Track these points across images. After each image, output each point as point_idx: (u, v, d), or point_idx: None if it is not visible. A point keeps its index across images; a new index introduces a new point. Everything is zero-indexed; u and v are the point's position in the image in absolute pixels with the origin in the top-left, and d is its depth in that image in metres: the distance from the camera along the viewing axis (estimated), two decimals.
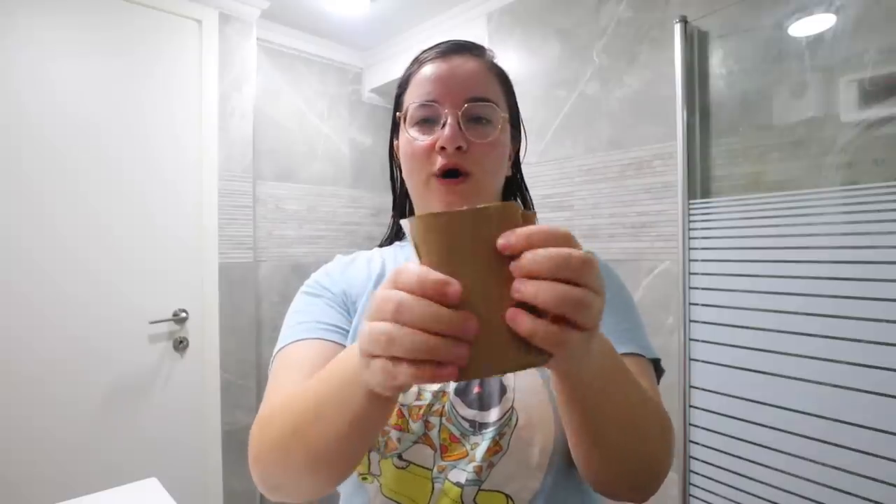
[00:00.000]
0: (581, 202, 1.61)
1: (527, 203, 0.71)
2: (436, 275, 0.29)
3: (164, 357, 1.73)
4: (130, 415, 1.65)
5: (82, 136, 1.57)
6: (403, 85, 0.63)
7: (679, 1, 1.38)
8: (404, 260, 0.66)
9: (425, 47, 0.64)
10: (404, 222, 0.32)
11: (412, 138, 0.58)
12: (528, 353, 0.30)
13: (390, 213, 0.76)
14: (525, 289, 0.29)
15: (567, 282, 0.29)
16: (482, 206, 0.30)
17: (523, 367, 0.31)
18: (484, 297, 0.30)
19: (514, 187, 0.70)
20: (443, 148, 0.56)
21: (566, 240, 0.30)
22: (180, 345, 1.75)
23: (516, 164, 0.68)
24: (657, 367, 0.59)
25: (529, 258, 0.29)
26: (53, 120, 1.53)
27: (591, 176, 1.59)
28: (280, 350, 0.58)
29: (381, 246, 0.74)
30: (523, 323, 0.29)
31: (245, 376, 1.92)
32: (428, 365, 0.29)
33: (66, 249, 1.54)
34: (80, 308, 1.56)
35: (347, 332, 0.59)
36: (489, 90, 0.59)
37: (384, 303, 0.30)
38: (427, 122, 0.58)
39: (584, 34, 1.61)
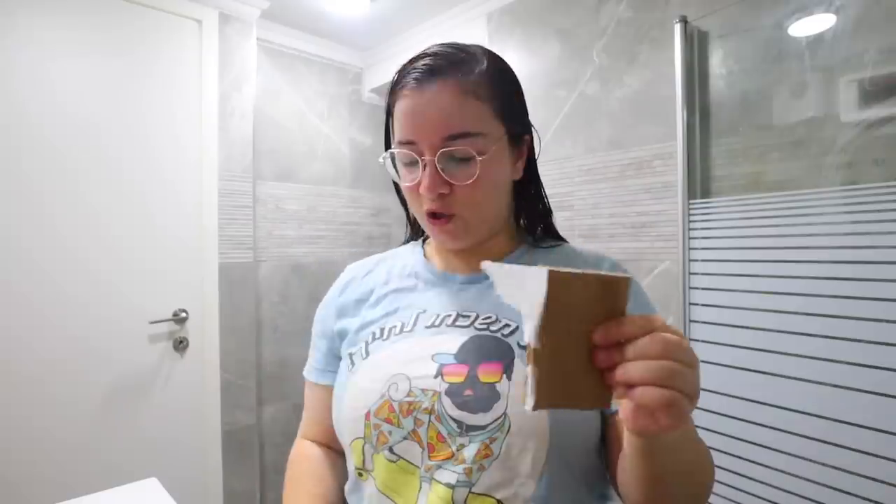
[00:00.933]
0: (581, 202, 1.61)
1: (544, 202, 0.69)
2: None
3: (164, 357, 1.73)
4: (130, 415, 1.65)
5: (82, 136, 1.57)
6: (389, 107, 0.62)
7: (679, 1, 1.38)
8: (412, 263, 0.70)
9: (425, 47, 0.62)
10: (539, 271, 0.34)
11: (402, 177, 0.61)
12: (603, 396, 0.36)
13: (390, 213, 0.77)
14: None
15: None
16: (605, 277, 0.34)
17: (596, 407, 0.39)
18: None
19: (527, 189, 0.67)
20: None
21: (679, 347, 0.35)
22: (180, 345, 1.75)
23: (529, 165, 0.66)
24: None
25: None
26: (53, 120, 1.53)
27: (591, 176, 1.59)
28: (305, 374, 0.74)
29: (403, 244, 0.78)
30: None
31: (245, 376, 1.92)
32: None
33: (66, 249, 1.54)
34: (80, 308, 1.56)
35: (338, 364, 0.67)
36: (468, 119, 0.55)
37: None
38: (411, 164, 0.58)
39: (584, 34, 1.61)
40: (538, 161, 0.68)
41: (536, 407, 0.34)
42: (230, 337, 1.87)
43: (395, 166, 0.62)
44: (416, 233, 0.76)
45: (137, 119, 1.67)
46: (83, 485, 1.22)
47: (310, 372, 0.72)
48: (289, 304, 2.11)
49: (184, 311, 1.76)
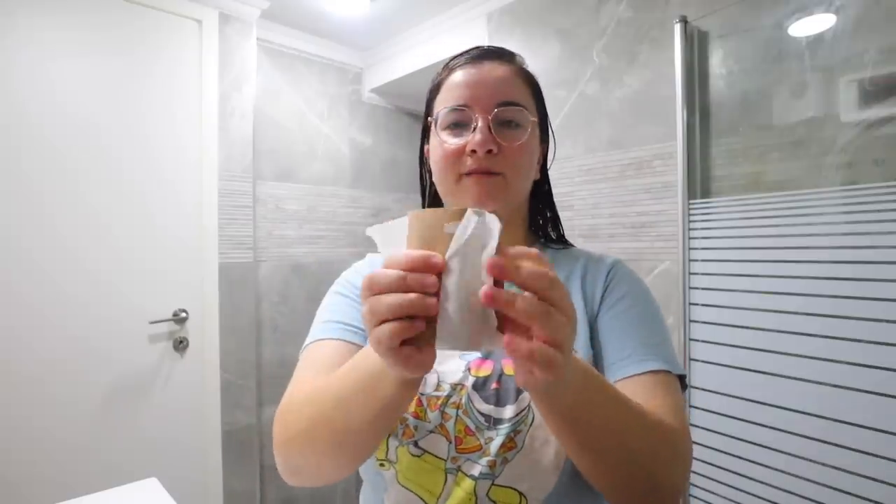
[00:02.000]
0: (581, 202, 1.61)
1: (552, 208, 0.73)
2: (419, 252, 0.35)
3: (164, 357, 1.73)
4: (130, 415, 1.65)
5: (82, 135, 1.57)
6: (434, 90, 0.65)
7: (679, 1, 1.38)
8: None
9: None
10: (395, 221, 0.38)
11: (443, 141, 0.60)
12: (486, 336, 0.35)
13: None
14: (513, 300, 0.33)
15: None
16: (455, 209, 0.36)
17: (477, 348, 0.36)
18: (460, 276, 0.35)
19: (541, 191, 0.71)
20: (473, 151, 0.57)
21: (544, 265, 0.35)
22: (180, 345, 1.75)
23: (543, 169, 0.70)
24: (683, 381, 0.59)
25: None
26: (53, 120, 1.53)
27: (591, 176, 1.59)
28: (307, 346, 0.62)
29: None
30: (501, 299, 0.33)
31: (245, 376, 1.92)
32: (404, 322, 0.33)
33: (66, 249, 1.54)
34: (80, 308, 1.56)
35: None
36: (519, 94, 0.61)
37: (368, 282, 0.35)
38: (458, 127, 0.60)
39: (584, 34, 1.61)
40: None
41: (438, 348, 0.35)
42: (230, 337, 1.87)
43: (426, 145, 0.65)
44: None
45: (137, 119, 1.67)
46: (83, 485, 1.22)
47: (333, 330, 0.61)
48: (289, 304, 2.11)
49: (184, 311, 1.76)
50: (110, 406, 1.61)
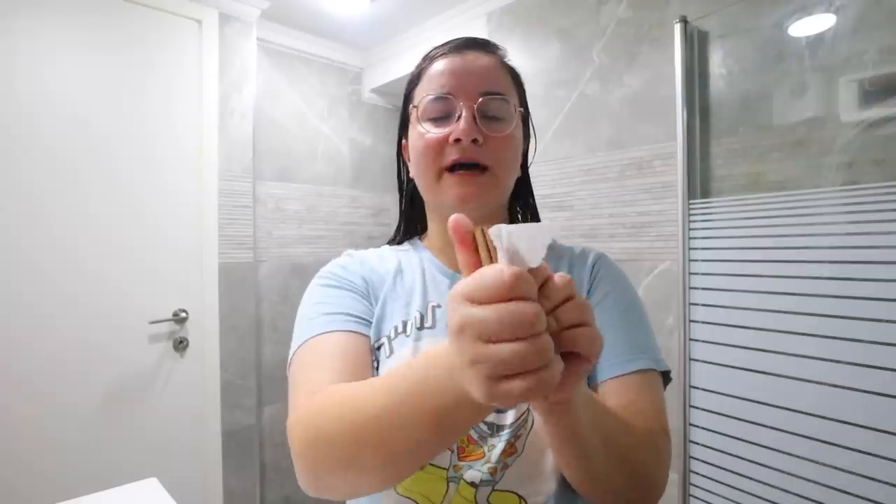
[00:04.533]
0: (581, 202, 1.61)
1: (530, 205, 0.70)
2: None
3: (164, 357, 1.73)
4: (130, 415, 1.65)
5: (82, 135, 1.57)
6: (414, 80, 0.62)
7: (679, 1, 1.38)
8: (418, 261, 0.65)
9: (428, 46, 0.63)
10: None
11: (425, 132, 0.57)
12: None
13: (390, 213, 0.75)
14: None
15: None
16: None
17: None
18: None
19: (522, 187, 0.68)
20: (457, 140, 0.55)
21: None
22: (180, 345, 1.75)
23: (524, 165, 0.67)
24: (667, 376, 0.59)
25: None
26: (53, 120, 1.52)
27: (591, 176, 1.59)
28: (306, 342, 0.55)
29: (389, 244, 0.73)
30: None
31: (245, 376, 1.92)
32: (543, 371, 0.28)
33: (66, 249, 1.54)
34: (79, 308, 1.56)
35: (371, 322, 0.59)
36: (503, 85, 0.59)
37: (518, 318, 0.28)
38: (440, 119, 0.57)
39: (584, 34, 1.61)
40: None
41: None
42: (230, 337, 1.87)
43: (408, 137, 0.62)
44: (407, 231, 0.73)
45: (137, 119, 1.67)
46: (83, 485, 1.22)
47: (339, 321, 0.56)
48: (289, 304, 2.11)
49: (184, 311, 1.76)
50: (110, 406, 1.61)
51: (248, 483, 1.93)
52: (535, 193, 0.71)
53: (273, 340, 2.08)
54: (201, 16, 1.80)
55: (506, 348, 0.28)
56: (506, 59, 0.63)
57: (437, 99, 0.57)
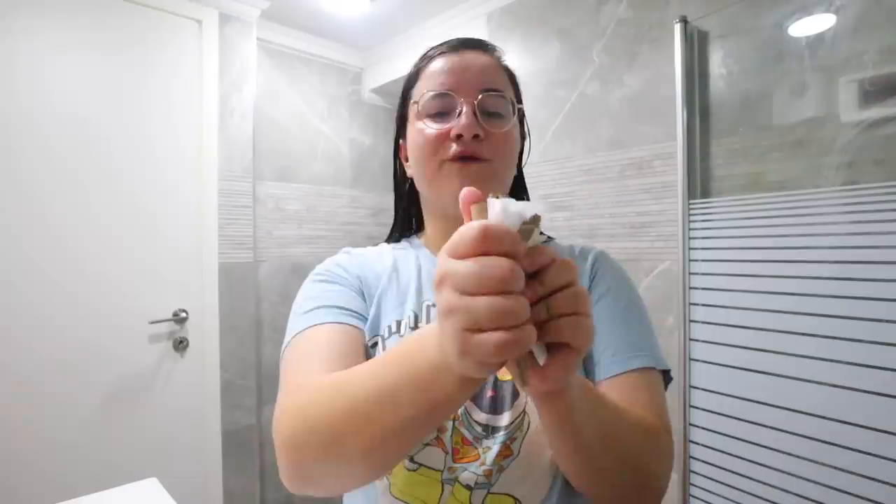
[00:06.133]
0: (581, 202, 1.61)
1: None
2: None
3: (164, 357, 1.73)
4: (130, 415, 1.65)
5: (82, 136, 1.57)
6: (412, 79, 0.63)
7: (679, 1, 1.38)
8: (414, 259, 0.65)
9: (428, 46, 0.63)
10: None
11: (426, 127, 0.58)
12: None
13: (390, 213, 0.75)
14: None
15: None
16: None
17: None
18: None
19: (517, 186, 0.69)
20: (459, 136, 0.55)
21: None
22: (180, 345, 1.75)
23: (519, 164, 0.68)
24: (667, 375, 0.59)
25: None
26: (53, 120, 1.52)
27: (591, 176, 1.59)
28: (298, 333, 0.55)
29: (387, 242, 0.73)
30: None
31: (245, 376, 1.92)
32: (515, 330, 0.28)
33: (66, 249, 1.54)
34: (80, 308, 1.56)
35: (367, 319, 0.58)
36: (501, 83, 0.60)
37: (491, 270, 0.28)
38: (440, 116, 0.58)
39: (584, 34, 1.61)
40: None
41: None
42: (230, 337, 1.87)
43: (405, 135, 0.63)
44: (402, 229, 0.73)
45: (137, 119, 1.67)
46: (83, 485, 1.22)
47: (332, 314, 0.56)
48: (289, 304, 2.08)
49: (184, 311, 1.76)
50: (110, 406, 1.61)
51: (248, 483, 1.93)
52: (534, 194, 0.72)
53: (273, 340, 2.08)
54: (201, 16, 1.80)
55: (480, 300, 0.28)
56: (502, 59, 0.63)
57: (438, 96, 0.57)
